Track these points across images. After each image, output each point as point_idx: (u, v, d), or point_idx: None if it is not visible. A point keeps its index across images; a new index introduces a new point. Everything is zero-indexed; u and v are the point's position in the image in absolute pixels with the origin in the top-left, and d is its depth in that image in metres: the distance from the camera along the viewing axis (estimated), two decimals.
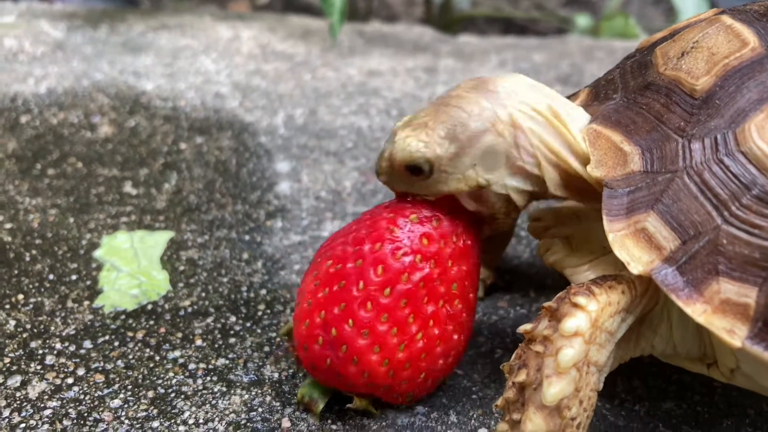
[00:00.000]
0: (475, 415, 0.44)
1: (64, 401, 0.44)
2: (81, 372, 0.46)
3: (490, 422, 0.44)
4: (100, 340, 0.49)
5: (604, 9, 1.38)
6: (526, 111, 0.42)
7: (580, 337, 0.35)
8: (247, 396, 0.45)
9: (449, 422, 0.43)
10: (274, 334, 0.49)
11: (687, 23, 0.45)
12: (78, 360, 0.47)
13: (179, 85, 0.85)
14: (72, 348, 0.48)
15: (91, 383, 0.45)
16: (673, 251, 0.37)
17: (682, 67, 0.41)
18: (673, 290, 0.36)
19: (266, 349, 0.48)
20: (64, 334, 0.49)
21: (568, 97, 0.47)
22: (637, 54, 0.47)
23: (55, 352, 0.48)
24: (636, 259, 0.37)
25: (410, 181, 0.42)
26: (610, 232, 0.38)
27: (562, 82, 0.90)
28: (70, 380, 0.45)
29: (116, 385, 0.45)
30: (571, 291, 0.37)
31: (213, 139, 0.74)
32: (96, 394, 0.45)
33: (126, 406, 0.44)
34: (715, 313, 0.35)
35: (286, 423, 0.43)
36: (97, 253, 0.57)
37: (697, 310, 0.35)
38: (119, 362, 0.47)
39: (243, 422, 0.43)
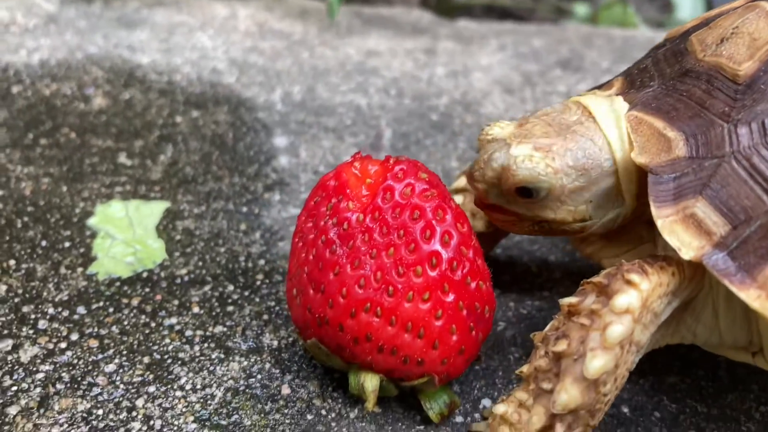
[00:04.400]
0: (477, 386, 0.43)
1: (57, 365, 0.43)
2: (74, 337, 0.45)
3: (494, 393, 0.43)
4: (94, 306, 0.48)
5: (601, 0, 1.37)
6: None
7: (630, 315, 0.35)
8: (245, 363, 0.44)
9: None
10: (273, 303, 0.48)
11: (719, 11, 0.45)
12: (71, 325, 0.46)
13: (175, 60, 0.83)
14: (65, 313, 0.47)
15: (84, 348, 0.44)
16: (723, 236, 0.36)
17: (723, 53, 0.40)
18: (726, 275, 0.35)
19: (265, 317, 0.47)
20: (56, 299, 0.48)
21: (601, 86, 0.46)
22: (667, 43, 0.46)
23: (48, 317, 0.46)
24: (686, 244, 0.36)
25: (513, 200, 0.40)
26: (659, 218, 0.37)
27: (563, 67, 0.89)
28: (63, 345, 0.44)
29: (111, 351, 0.44)
30: (623, 268, 0.36)
31: (209, 113, 0.73)
32: (90, 359, 0.43)
33: (121, 371, 0.43)
34: None
35: (285, 390, 0.42)
36: (91, 221, 0.56)
37: (751, 296, 0.35)
38: (114, 328, 0.46)
39: (242, 388, 0.42)
